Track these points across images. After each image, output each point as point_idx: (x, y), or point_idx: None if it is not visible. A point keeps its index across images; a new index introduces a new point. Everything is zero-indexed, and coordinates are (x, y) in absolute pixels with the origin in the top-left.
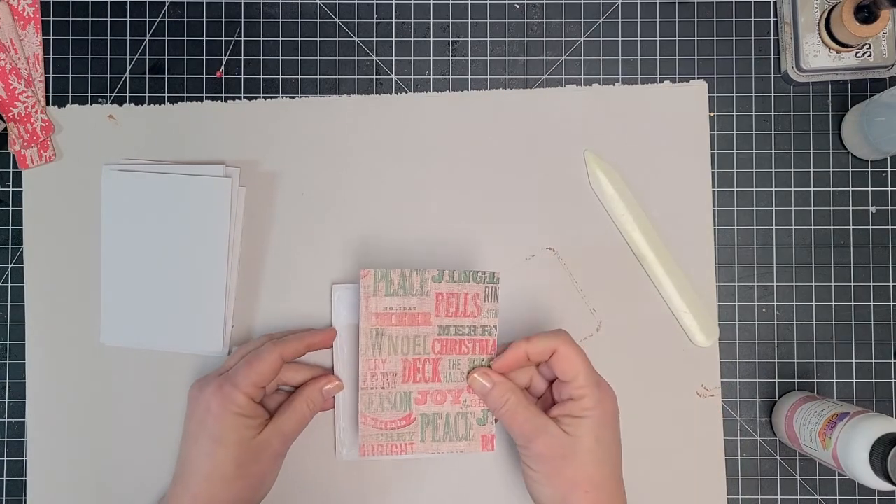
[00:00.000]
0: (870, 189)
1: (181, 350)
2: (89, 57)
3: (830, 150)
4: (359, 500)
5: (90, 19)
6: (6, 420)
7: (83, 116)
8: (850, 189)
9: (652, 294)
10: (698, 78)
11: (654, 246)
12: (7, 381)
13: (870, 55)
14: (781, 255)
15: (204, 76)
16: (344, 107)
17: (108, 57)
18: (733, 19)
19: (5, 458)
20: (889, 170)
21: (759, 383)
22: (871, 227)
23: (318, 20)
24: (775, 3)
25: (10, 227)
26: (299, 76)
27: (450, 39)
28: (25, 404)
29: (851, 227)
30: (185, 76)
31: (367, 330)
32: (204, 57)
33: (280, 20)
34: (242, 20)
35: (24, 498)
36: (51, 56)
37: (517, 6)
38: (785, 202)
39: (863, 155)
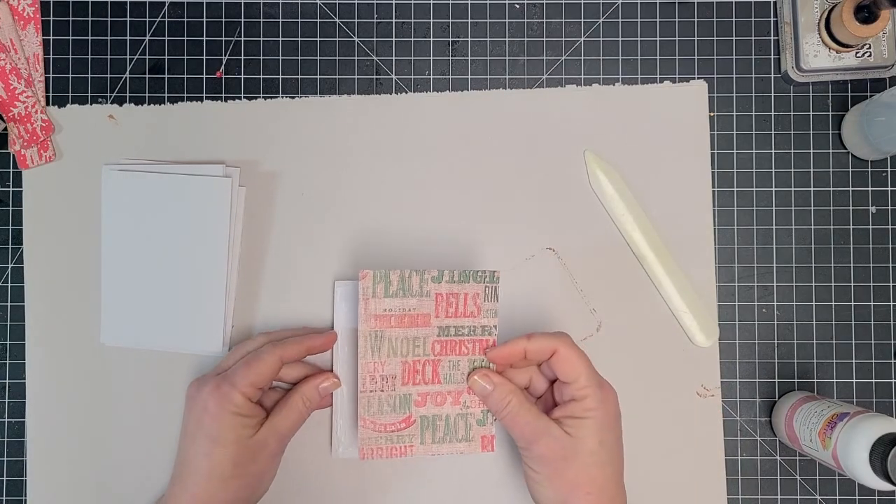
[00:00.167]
0: (870, 189)
1: (181, 350)
2: (89, 57)
3: (830, 150)
4: (357, 499)
5: (90, 19)
6: (6, 420)
7: (83, 116)
8: (850, 189)
9: (652, 294)
10: (698, 78)
11: (654, 246)
12: (7, 381)
13: (870, 55)
14: (781, 255)
15: (204, 76)
16: (344, 107)
17: (108, 57)
18: (733, 19)
19: (5, 458)
20: (889, 170)
21: (759, 383)
22: (871, 227)
23: (318, 20)
24: (775, 3)
25: (10, 227)
26: (299, 76)
27: (450, 39)
28: (25, 404)
29: (851, 227)
30: (185, 76)
31: (366, 332)
32: (204, 57)
33: (280, 20)
34: (242, 20)
35: (24, 498)
36: (51, 56)
37: (517, 6)
38: (785, 202)
39: (863, 155)
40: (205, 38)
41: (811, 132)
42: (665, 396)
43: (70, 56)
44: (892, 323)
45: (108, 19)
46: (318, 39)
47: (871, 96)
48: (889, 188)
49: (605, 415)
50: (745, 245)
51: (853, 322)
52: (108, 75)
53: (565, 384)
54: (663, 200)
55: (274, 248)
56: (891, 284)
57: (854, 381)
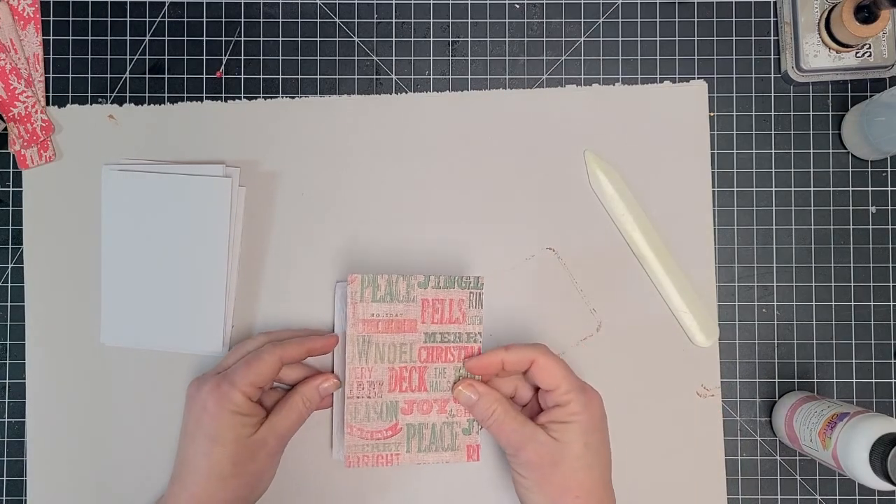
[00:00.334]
0: (870, 189)
1: (181, 350)
2: (89, 57)
3: (830, 150)
4: (357, 500)
5: (90, 19)
6: (6, 420)
7: (83, 116)
8: (850, 189)
9: (652, 294)
10: (698, 78)
11: (654, 246)
12: (7, 381)
13: (870, 55)
14: (781, 255)
15: (204, 76)
16: (344, 107)
17: (108, 57)
18: (733, 19)
19: (5, 458)
20: (889, 170)
21: (759, 383)
22: (871, 227)
23: (318, 20)
24: (775, 3)
25: (10, 227)
26: (299, 76)
27: (450, 39)
28: (25, 404)
29: (851, 227)
30: (185, 76)
31: (354, 337)
32: (204, 57)
33: (280, 20)
34: (242, 20)
35: (24, 498)
36: (51, 56)
37: (517, 6)
38: (785, 202)
39: (863, 155)
40: (205, 38)
41: (811, 132)
42: (665, 396)
43: (70, 56)
44: (892, 323)
45: (108, 19)
46: (318, 39)
47: (871, 96)
48: (889, 188)
49: (590, 418)
50: (745, 245)
51: (853, 322)
52: (108, 75)
53: (548, 391)
54: (663, 200)
55: (274, 248)
56: (891, 284)
57: (854, 381)
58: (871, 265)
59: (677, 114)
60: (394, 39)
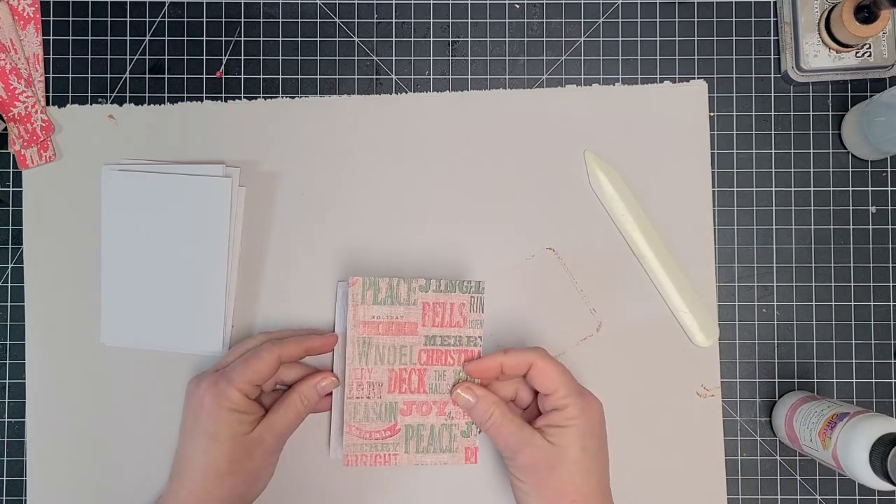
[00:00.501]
0: (870, 189)
1: (181, 350)
2: (89, 57)
3: (830, 150)
4: (356, 500)
5: (90, 19)
6: (6, 420)
7: (83, 116)
8: (850, 189)
9: (652, 294)
10: (698, 78)
11: (654, 246)
12: (7, 381)
13: (870, 55)
14: (781, 255)
15: (204, 76)
16: (344, 107)
17: (108, 57)
18: (733, 19)
19: (5, 458)
20: (889, 170)
21: (759, 383)
22: (871, 227)
23: (318, 20)
24: (775, 3)
25: (10, 227)
26: (299, 76)
27: (450, 39)
28: (25, 404)
29: (851, 227)
30: (185, 76)
31: (355, 339)
32: (204, 57)
33: (280, 20)
34: (242, 20)
35: (24, 498)
36: (51, 56)
37: (517, 6)
38: (785, 202)
39: (863, 155)
40: (205, 38)
41: (811, 132)
42: (665, 396)
43: (70, 56)
44: (892, 323)
45: (108, 19)
46: (318, 39)
47: (871, 96)
48: (889, 188)
49: (588, 423)
50: (745, 245)
51: (853, 322)
52: (108, 75)
53: (546, 395)
54: (663, 200)
55: (274, 248)
56: (891, 284)
57: (854, 381)
58: (871, 265)
59: (677, 114)
60: (394, 39)
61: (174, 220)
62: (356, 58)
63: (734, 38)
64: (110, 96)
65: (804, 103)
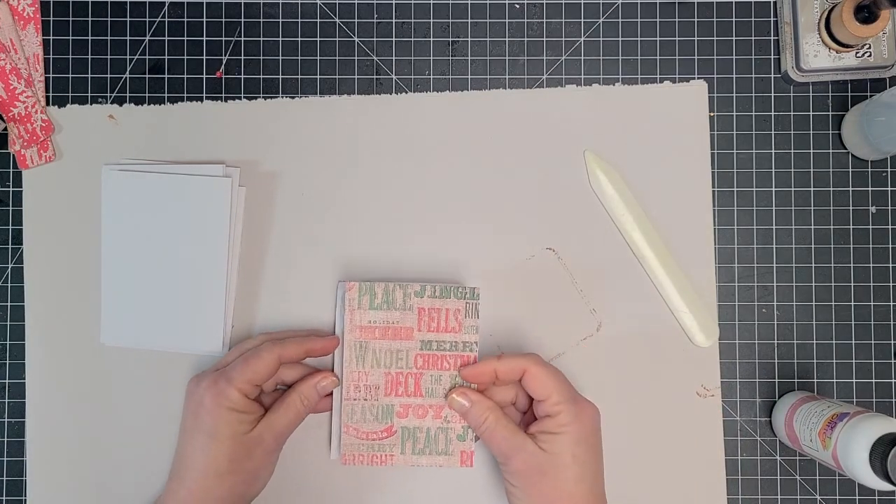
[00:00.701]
0: (870, 189)
1: (181, 350)
2: (89, 57)
3: (830, 150)
4: (356, 500)
5: (90, 19)
6: (6, 420)
7: (83, 116)
8: (850, 189)
9: (652, 294)
10: (698, 78)
11: (654, 246)
12: (7, 381)
13: (870, 55)
14: (781, 255)
15: (204, 76)
16: (344, 107)
17: (108, 57)
18: (733, 19)
19: (5, 458)
20: (889, 170)
21: (759, 383)
22: (871, 227)
23: (318, 20)
24: (775, 3)
25: (10, 227)
26: (299, 76)
27: (450, 39)
28: (25, 404)
29: (851, 227)
30: (185, 76)
31: (352, 342)
32: (204, 57)
33: (280, 20)
34: (242, 20)
35: (24, 498)
36: (51, 56)
37: (517, 6)
38: (785, 202)
39: (863, 155)
40: (205, 38)
41: (811, 132)
42: (665, 396)
43: (70, 56)
44: (892, 323)
45: (108, 19)
46: (318, 39)
47: (871, 96)
48: (889, 188)
49: (580, 430)
50: (745, 245)
51: (853, 322)
52: (108, 75)
53: (540, 401)
54: (663, 200)
55: (274, 248)
56: (891, 284)
57: (854, 381)
58: (871, 265)
59: (677, 114)
60: (394, 39)
61: (174, 220)
62: (356, 58)
63: (734, 38)
64: (110, 96)
65: (804, 103)
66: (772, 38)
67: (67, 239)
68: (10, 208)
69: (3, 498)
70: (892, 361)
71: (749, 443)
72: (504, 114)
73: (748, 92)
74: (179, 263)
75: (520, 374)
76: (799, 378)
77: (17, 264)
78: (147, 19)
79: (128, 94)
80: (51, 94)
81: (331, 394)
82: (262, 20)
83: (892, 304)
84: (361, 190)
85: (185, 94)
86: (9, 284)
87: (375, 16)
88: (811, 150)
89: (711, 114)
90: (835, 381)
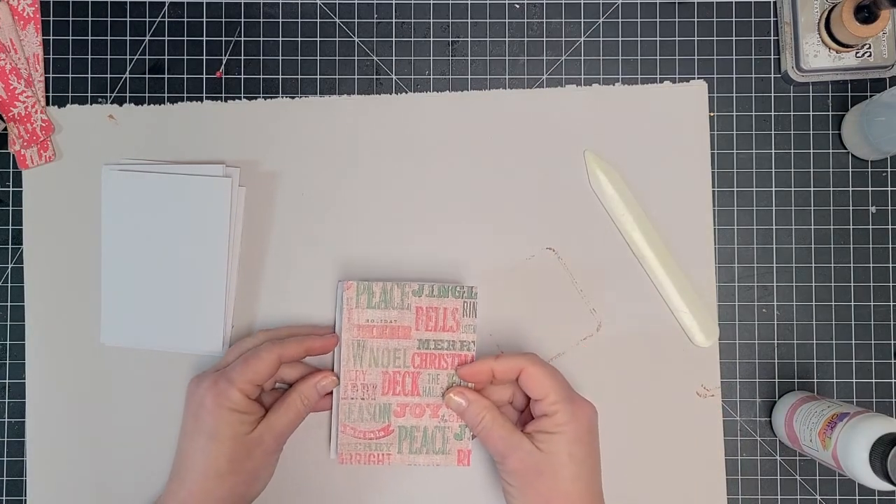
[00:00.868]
0: (870, 189)
1: (181, 350)
2: (89, 57)
3: (830, 150)
4: (356, 500)
5: (90, 19)
6: (6, 420)
7: (83, 116)
8: (850, 189)
9: (652, 294)
10: (698, 78)
11: (654, 246)
12: (7, 381)
13: (870, 55)
14: (781, 255)
15: (204, 76)
16: (344, 107)
17: (108, 57)
18: (733, 19)
19: (5, 458)
20: (889, 170)
21: (759, 383)
22: (871, 227)
23: (318, 20)
24: (775, 3)
25: (10, 227)
26: (299, 76)
27: (450, 39)
28: (25, 404)
29: (851, 227)
30: (185, 76)
31: (349, 341)
32: (204, 57)
33: (280, 20)
34: (242, 20)
35: (24, 498)
36: (51, 56)
37: (517, 6)
38: (785, 202)
39: (863, 155)
40: (205, 38)
41: (811, 132)
42: (665, 396)
43: (70, 56)
44: (892, 323)
45: (108, 19)
46: (318, 39)
47: (871, 96)
48: (889, 188)
49: (577, 429)
50: (745, 245)
51: (853, 322)
52: (108, 75)
53: (537, 401)
54: (663, 200)
55: (274, 248)
56: (891, 284)
57: (854, 381)
58: (871, 265)
59: (677, 114)
60: (394, 39)
61: (174, 220)
62: (356, 58)
63: (734, 38)
64: (110, 96)
65: (804, 103)
66: (772, 38)
67: (67, 239)
68: (10, 208)
69: (3, 498)
70: (892, 361)
71: (749, 443)
72: (504, 114)
73: (748, 92)
74: (179, 263)
75: (517, 373)
76: (799, 378)
77: (17, 264)
78: (147, 19)
79: (128, 94)
80: (51, 94)
81: (331, 393)
82: (262, 20)
83: (892, 304)
84: (361, 190)
85: (185, 94)
86: (9, 284)
87: (375, 16)
88: (811, 150)
89: (711, 114)
90: (835, 381)
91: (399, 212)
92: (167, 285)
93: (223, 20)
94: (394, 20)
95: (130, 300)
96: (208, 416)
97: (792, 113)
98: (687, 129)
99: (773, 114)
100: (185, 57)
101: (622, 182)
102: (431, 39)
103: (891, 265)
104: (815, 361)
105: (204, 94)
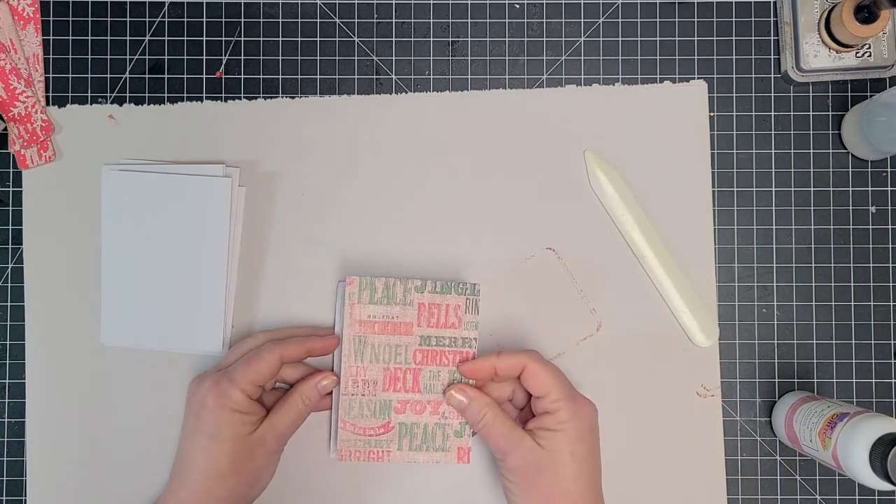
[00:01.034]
0: (870, 189)
1: (181, 350)
2: (89, 57)
3: (830, 150)
4: (357, 500)
5: (90, 19)
6: (6, 420)
7: (83, 116)
8: (850, 189)
9: (652, 294)
10: (698, 78)
11: (654, 246)
12: (7, 381)
13: (870, 55)
14: (781, 255)
15: (204, 76)
16: (344, 107)
17: (108, 57)
18: (733, 19)
19: (5, 458)
20: (889, 170)
21: (759, 383)
22: (871, 227)
23: (318, 20)
24: (775, 3)
25: (10, 227)
26: (299, 76)
27: (450, 39)
28: (25, 404)
29: (851, 227)
30: (185, 76)
31: (351, 337)
32: (204, 57)
33: (280, 20)
34: (242, 20)
35: (24, 498)
36: (51, 56)
37: (517, 6)
38: (785, 202)
39: (863, 155)
40: (205, 38)
41: (811, 132)
42: (665, 396)
43: (70, 56)
44: (892, 323)
45: (108, 19)
46: (318, 39)
47: (871, 96)
48: (889, 188)
49: (578, 427)
50: (745, 245)
51: (853, 322)
52: (108, 75)
53: (538, 398)
54: (663, 200)
55: (274, 248)
56: (891, 284)
57: (854, 381)
58: (871, 265)
59: (677, 114)
60: (394, 39)
61: (174, 220)
62: (356, 58)
63: (734, 38)
64: (110, 96)
65: (804, 103)
66: (772, 38)
67: (67, 239)
68: (10, 208)
69: (3, 498)
70: (892, 361)
71: (749, 443)
72: (504, 114)
73: (748, 92)
74: (179, 263)
75: (519, 370)
76: (799, 378)
77: (17, 264)
78: (147, 19)
79: (128, 94)
80: (51, 94)
81: (331, 392)
82: (262, 20)
83: (892, 304)
84: (361, 190)
85: (185, 94)
86: (9, 284)
87: (375, 16)
88: (811, 150)
89: (711, 114)
90: (835, 381)
91: (399, 212)
92: (167, 285)
93: (223, 20)
94: (394, 20)
95: (130, 300)
96: (210, 416)
97: (792, 113)
98: (687, 129)
99: (773, 114)
100: (185, 57)
101: (622, 182)
102: (431, 39)
103: (891, 265)
104: (815, 361)
105: (204, 94)
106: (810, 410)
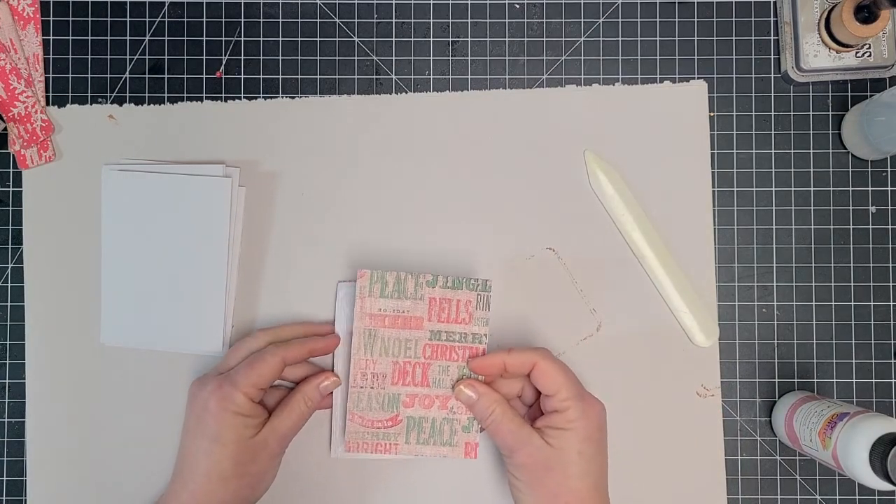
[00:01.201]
0: (870, 189)
1: (181, 350)
2: (89, 57)
3: (830, 150)
4: (357, 500)
5: (90, 19)
6: (6, 420)
7: (83, 116)
8: (850, 189)
9: (652, 294)
10: (698, 78)
11: (654, 246)
12: (7, 381)
13: (870, 55)
14: (781, 255)
15: (204, 76)
16: (344, 107)
17: (108, 57)
18: (733, 19)
19: (5, 458)
20: (889, 170)
21: (759, 383)
22: (871, 227)
23: (318, 20)
24: (775, 3)
25: (10, 227)
26: (299, 76)
27: (450, 39)
28: (25, 404)
29: (851, 227)
30: (185, 76)
31: (361, 330)
32: (204, 57)
33: (280, 20)
34: (242, 20)
35: (24, 498)
36: (51, 56)
37: (517, 6)
38: (785, 202)
39: (863, 155)
40: (205, 38)
41: (811, 132)
42: (665, 396)
43: (70, 56)
44: (892, 323)
45: (108, 19)
46: (318, 39)
47: (871, 96)
48: (889, 188)
49: (587, 426)
50: (745, 245)
51: (853, 322)
52: (108, 75)
53: (548, 396)
54: (663, 200)
55: (274, 248)
56: (891, 284)
57: (854, 381)
58: (871, 265)
59: (677, 114)
60: (394, 39)
61: (174, 220)
62: (356, 58)
63: (734, 38)
64: (110, 96)
65: (804, 103)
66: (772, 38)
67: (67, 239)
68: (10, 208)
69: (3, 498)
70: (892, 361)
71: (749, 443)
72: (504, 114)
73: (748, 92)
74: (179, 263)
75: (529, 367)
76: (799, 378)
77: (17, 264)
78: (147, 19)
79: (128, 94)
80: (51, 94)
81: (331, 392)
82: (262, 20)
83: (892, 304)
84: (361, 190)
85: (185, 94)
86: (9, 284)
87: (375, 16)
88: (811, 150)
89: (711, 114)
90: (835, 381)
91: (399, 212)
92: (167, 285)
93: (223, 20)
94: (394, 20)
95: (130, 300)
96: (212, 419)
97: (792, 113)
98: (687, 129)
99: (773, 114)
100: (185, 57)
101: (622, 182)
102: (431, 39)
103: (891, 265)
104: (815, 361)
105: (204, 94)
106: (810, 410)
